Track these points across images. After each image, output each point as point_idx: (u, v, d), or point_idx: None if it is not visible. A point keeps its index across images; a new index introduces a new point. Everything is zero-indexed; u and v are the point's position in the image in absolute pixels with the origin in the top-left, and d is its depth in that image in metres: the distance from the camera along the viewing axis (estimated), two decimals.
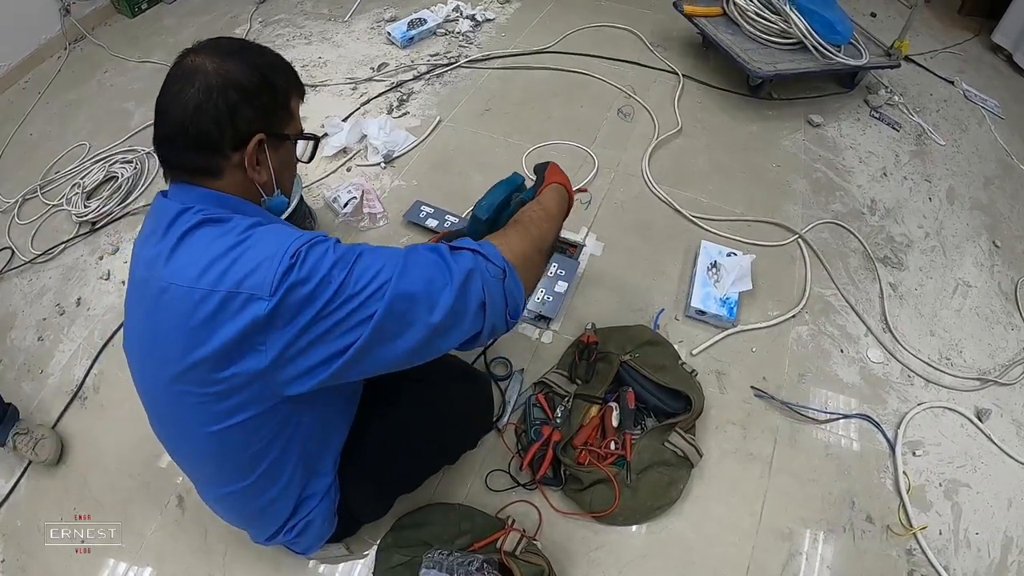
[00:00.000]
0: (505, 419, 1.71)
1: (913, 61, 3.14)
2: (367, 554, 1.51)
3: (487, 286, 0.95)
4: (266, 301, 0.83)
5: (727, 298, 1.93)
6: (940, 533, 1.58)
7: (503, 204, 1.31)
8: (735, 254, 2.04)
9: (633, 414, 1.67)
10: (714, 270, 1.99)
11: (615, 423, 1.65)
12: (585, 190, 2.34)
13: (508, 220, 1.22)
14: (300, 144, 1.10)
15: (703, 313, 1.93)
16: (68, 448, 1.73)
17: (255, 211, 1.01)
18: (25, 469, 1.69)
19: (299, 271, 0.84)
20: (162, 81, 0.95)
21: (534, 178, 1.40)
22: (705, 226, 2.24)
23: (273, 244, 0.86)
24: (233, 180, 0.97)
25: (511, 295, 1.00)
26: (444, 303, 0.91)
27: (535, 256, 1.11)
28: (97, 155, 2.57)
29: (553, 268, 2.01)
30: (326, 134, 2.56)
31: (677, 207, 2.29)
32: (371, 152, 2.49)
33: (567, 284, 1.97)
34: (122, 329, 1.11)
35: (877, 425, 1.75)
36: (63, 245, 2.26)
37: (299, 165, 1.16)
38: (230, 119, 0.92)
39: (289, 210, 1.90)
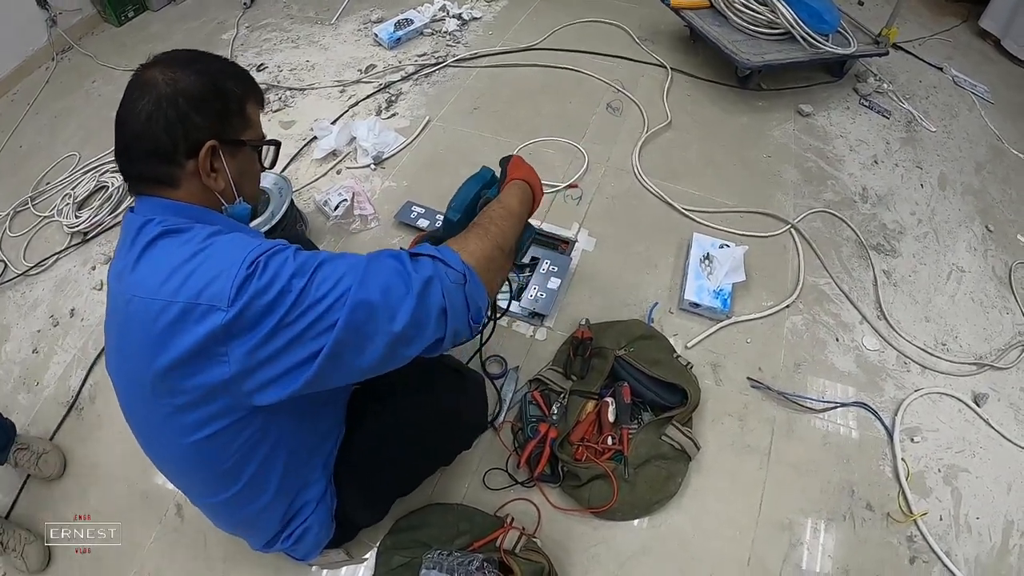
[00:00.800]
0: (501, 417, 1.70)
1: (901, 48, 3.15)
2: (367, 558, 1.50)
3: (447, 293, 0.93)
4: (224, 311, 0.82)
5: (720, 290, 1.93)
6: (941, 519, 1.59)
7: (474, 202, 1.27)
8: (728, 246, 2.04)
9: (629, 409, 1.67)
10: (707, 262, 1.99)
11: (611, 418, 1.64)
12: (576, 186, 2.34)
13: None
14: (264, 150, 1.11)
15: (697, 305, 1.93)
16: (67, 459, 1.73)
17: (217, 219, 1.00)
18: (24, 483, 1.68)
19: (258, 281, 0.83)
20: None
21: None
22: (697, 218, 2.24)
23: (232, 253, 0.86)
24: (191, 189, 0.97)
25: (473, 300, 0.98)
26: (404, 312, 0.89)
27: (497, 257, 1.08)
28: (87, 165, 2.56)
29: (546, 265, 2.00)
30: (315, 138, 2.56)
31: (669, 200, 2.29)
32: (361, 154, 2.49)
33: (560, 280, 1.97)
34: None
35: (874, 413, 1.75)
36: (55, 256, 2.25)
37: (292, 168, 1.15)
38: (181, 127, 0.93)
39: (280, 213, 1.89)
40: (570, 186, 2.34)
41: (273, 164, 1.15)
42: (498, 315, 1.52)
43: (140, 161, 0.95)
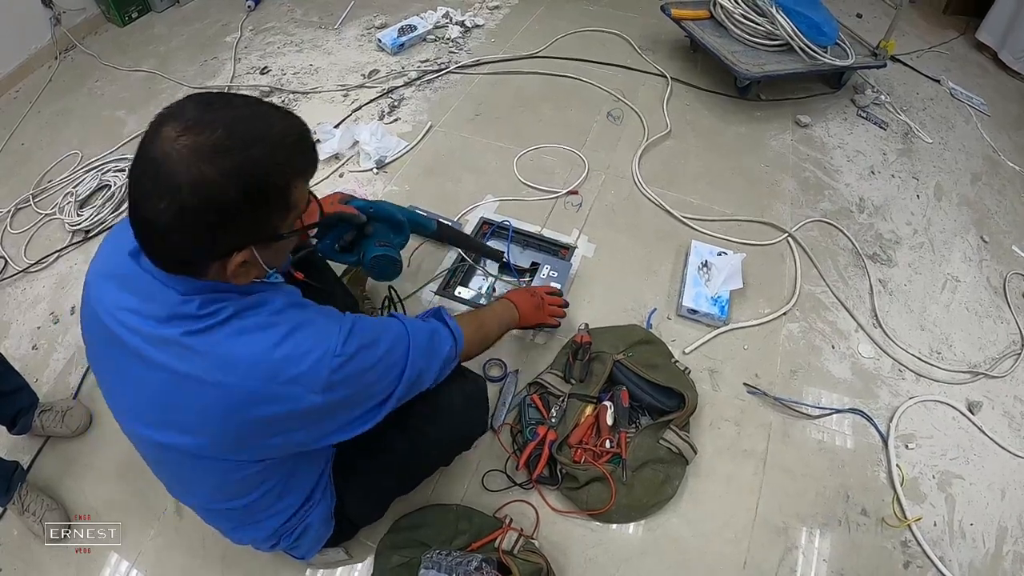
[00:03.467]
0: (500, 420, 1.71)
1: (899, 61, 3.18)
2: (367, 557, 1.51)
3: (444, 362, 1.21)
4: (320, 396, 0.92)
5: (718, 297, 1.94)
6: (935, 524, 1.60)
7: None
8: (726, 253, 2.05)
9: (627, 412, 1.68)
10: (705, 269, 2.01)
11: (610, 422, 1.65)
12: (576, 192, 2.36)
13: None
14: None
15: (695, 312, 1.94)
16: (64, 460, 1.73)
17: (253, 289, 0.96)
18: (25, 478, 1.68)
19: (346, 369, 0.94)
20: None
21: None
22: (695, 226, 2.25)
23: (320, 339, 0.93)
24: (219, 274, 0.89)
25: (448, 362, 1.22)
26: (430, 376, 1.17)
27: (475, 349, 1.36)
28: (89, 164, 2.57)
29: (546, 270, 2.02)
30: (318, 141, 2.57)
31: (667, 208, 2.31)
32: (363, 158, 2.50)
33: (560, 285, 1.98)
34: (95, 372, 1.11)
35: (869, 419, 1.77)
36: (56, 254, 2.26)
37: None
38: (210, 241, 0.83)
39: None
40: (570, 192, 2.36)
41: (318, 237, 1.22)
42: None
43: (159, 254, 0.86)
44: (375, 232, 1.54)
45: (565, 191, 2.37)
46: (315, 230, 1.08)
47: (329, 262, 1.62)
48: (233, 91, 1.01)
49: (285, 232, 0.91)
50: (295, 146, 0.87)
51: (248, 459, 1.00)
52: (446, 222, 2.13)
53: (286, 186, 0.86)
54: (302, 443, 1.00)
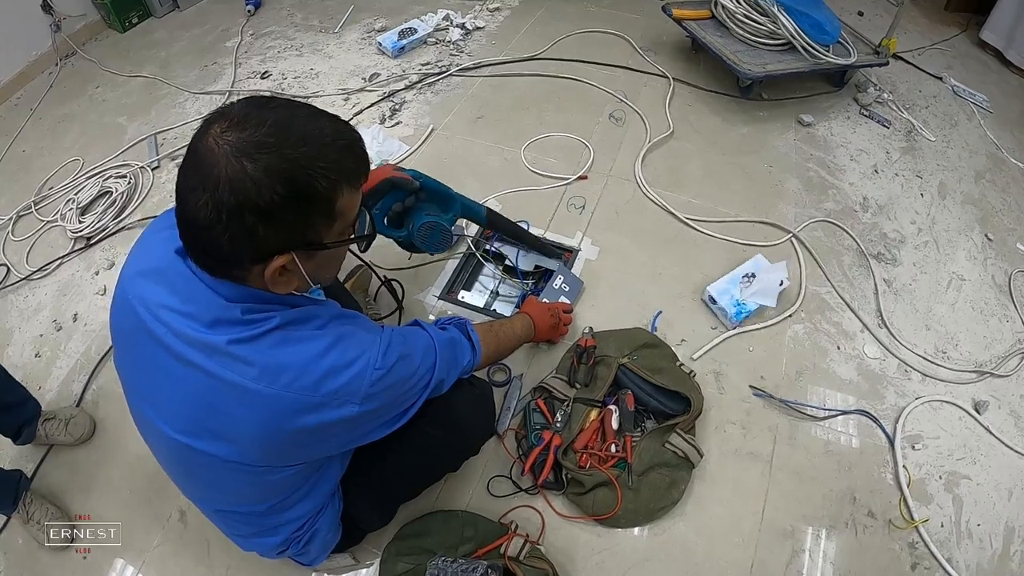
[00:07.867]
0: (505, 425, 1.71)
1: (901, 59, 3.17)
2: (371, 563, 1.51)
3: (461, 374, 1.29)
4: (358, 406, 0.95)
5: (744, 303, 1.92)
6: (942, 525, 1.59)
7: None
8: (783, 282, 1.99)
9: (633, 416, 1.67)
10: (748, 279, 1.99)
11: (615, 426, 1.65)
12: (586, 177, 2.40)
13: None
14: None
15: (714, 302, 1.94)
16: (67, 468, 1.73)
17: (297, 302, 0.97)
18: (29, 487, 1.67)
19: (384, 381, 0.98)
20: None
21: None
22: (699, 228, 2.24)
23: (362, 352, 0.96)
24: (261, 282, 0.88)
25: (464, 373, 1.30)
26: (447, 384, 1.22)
27: (492, 360, 1.48)
28: (91, 170, 2.57)
29: (559, 280, 1.99)
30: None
31: (671, 210, 2.30)
32: None
33: (570, 301, 1.97)
34: (119, 370, 1.08)
35: (876, 420, 1.76)
36: (58, 261, 2.26)
37: None
38: (248, 240, 0.80)
39: None
40: (580, 177, 2.40)
41: (366, 249, 1.23)
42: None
43: (201, 254, 0.85)
44: (424, 204, 1.55)
45: (575, 176, 2.40)
46: (364, 243, 1.07)
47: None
48: (246, 95, 0.95)
49: (330, 243, 0.89)
50: (344, 151, 0.85)
51: (277, 464, 1.01)
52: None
53: (332, 193, 0.84)
54: (329, 450, 1.05)
